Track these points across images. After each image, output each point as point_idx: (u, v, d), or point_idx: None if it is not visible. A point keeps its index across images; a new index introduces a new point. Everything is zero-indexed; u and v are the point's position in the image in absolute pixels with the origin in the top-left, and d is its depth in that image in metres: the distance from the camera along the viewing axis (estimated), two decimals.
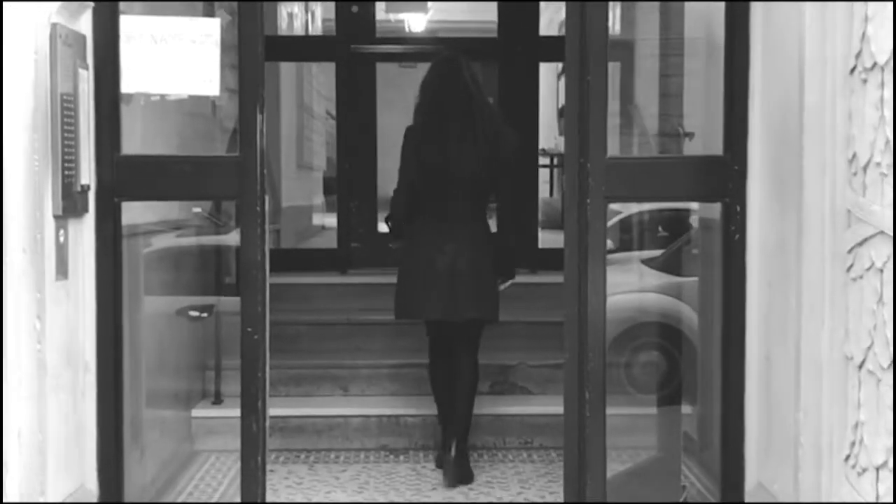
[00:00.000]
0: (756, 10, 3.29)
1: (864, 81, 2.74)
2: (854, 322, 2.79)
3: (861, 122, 2.75)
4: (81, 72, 3.16)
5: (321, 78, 11.77)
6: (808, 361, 2.98)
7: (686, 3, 4.90)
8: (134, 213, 3.92)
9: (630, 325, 5.50)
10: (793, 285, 3.06)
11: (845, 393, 2.83)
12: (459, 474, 4.71)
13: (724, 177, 3.39)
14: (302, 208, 10.06)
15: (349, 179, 6.87)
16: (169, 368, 4.84)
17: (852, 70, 2.77)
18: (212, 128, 5.62)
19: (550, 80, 11.54)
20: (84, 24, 3.23)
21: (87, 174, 3.23)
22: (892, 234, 2.66)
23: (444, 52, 5.40)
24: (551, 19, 10.63)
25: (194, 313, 4.91)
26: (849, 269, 2.81)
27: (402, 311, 4.89)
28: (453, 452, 4.68)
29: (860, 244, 2.77)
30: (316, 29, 11.60)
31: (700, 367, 4.37)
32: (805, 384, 3.00)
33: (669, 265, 5.73)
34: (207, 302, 5.27)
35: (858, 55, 2.75)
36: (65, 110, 3.04)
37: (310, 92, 11.21)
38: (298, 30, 10.70)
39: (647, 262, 5.96)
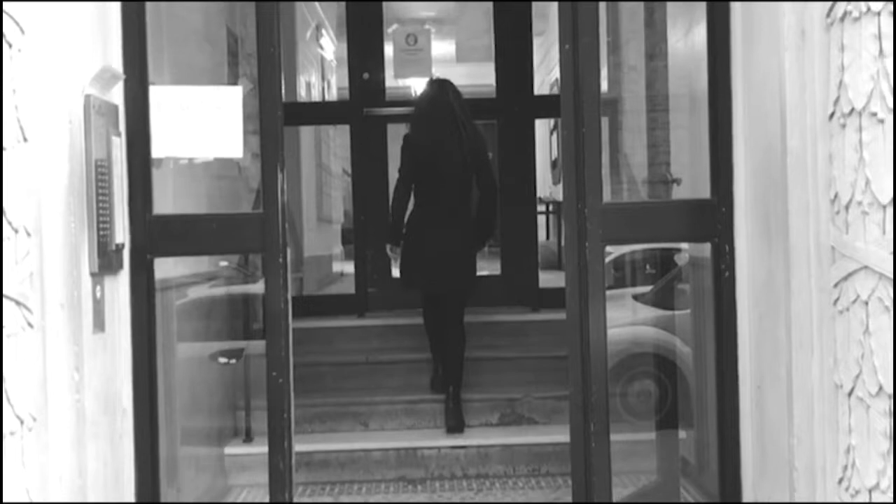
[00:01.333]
0: (737, 60, 3.20)
1: (843, 126, 2.64)
2: (842, 352, 2.67)
3: (841, 164, 2.65)
4: (114, 139, 3.06)
5: (338, 140, 11.72)
6: (800, 390, 2.85)
7: (670, 64, 4.83)
8: (167, 267, 3.83)
9: (624, 357, 5.41)
10: (782, 318, 2.94)
11: (836, 419, 2.70)
12: (456, 420, 5.27)
13: (713, 218, 3.28)
14: (322, 258, 9.97)
15: (364, 230, 6.78)
16: (202, 409, 4.72)
17: (831, 115, 2.68)
18: (238, 188, 5.54)
19: (544, 135, 11.49)
20: (116, 94, 3.14)
21: (122, 233, 3.13)
22: (876, 269, 2.55)
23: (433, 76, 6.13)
24: (543, 80, 10.59)
25: (223, 360, 4.79)
26: (835, 302, 2.69)
27: (405, 283, 5.61)
28: (451, 403, 5.27)
29: (845, 279, 2.66)
30: (332, 96, 11.59)
31: (694, 395, 4.24)
32: (797, 411, 2.87)
33: (658, 300, 5.66)
34: (237, 346, 5.17)
35: (836, 101, 2.66)
36: (99, 175, 2.95)
37: (327, 153, 11.17)
38: (316, 97, 10.67)
39: (638, 298, 5.88)
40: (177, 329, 4.06)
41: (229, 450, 5.13)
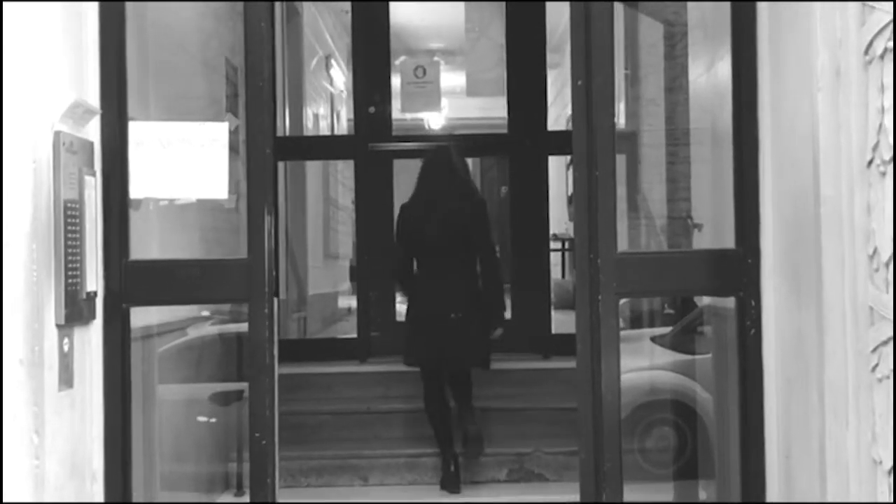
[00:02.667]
0: (764, 100, 3.00)
1: (883, 174, 2.44)
2: (881, 425, 2.45)
3: (881, 216, 2.44)
4: (88, 178, 2.87)
5: (346, 173, 11.58)
6: (834, 464, 2.61)
7: (691, 98, 4.64)
8: (149, 313, 3.64)
9: (640, 404, 5.22)
10: (814, 383, 2.71)
11: (875, 498, 2.47)
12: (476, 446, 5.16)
13: (738, 270, 3.06)
14: (328, 295, 9.80)
15: (368, 269, 6.57)
16: (189, 461, 4.51)
17: (870, 162, 2.47)
18: (236, 221, 5.35)
19: (560, 170, 11.32)
20: (92, 130, 2.96)
21: (94, 280, 2.93)
22: None
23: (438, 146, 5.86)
24: (559, 115, 10.42)
25: (202, 419, 4.57)
26: (874, 368, 2.47)
27: (408, 359, 5.36)
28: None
29: (885, 343, 2.44)
30: (341, 128, 11.46)
31: (717, 455, 4.02)
32: (832, 488, 2.63)
33: (677, 343, 5.48)
34: (230, 389, 4.96)
35: (875, 147, 2.45)
36: (69, 217, 2.75)
37: (335, 186, 11.02)
38: (324, 129, 10.54)
39: (656, 340, 5.70)
40: (160, 377, 3.86)
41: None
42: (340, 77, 11.31)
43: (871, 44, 2.45)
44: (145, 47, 3.59)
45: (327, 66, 10.74)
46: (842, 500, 2.58)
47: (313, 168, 9.29)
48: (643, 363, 5.43)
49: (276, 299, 3.10)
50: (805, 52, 2.68)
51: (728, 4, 3.10)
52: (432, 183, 5.34)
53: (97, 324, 2.98)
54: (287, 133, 7.66)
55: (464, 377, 5.27)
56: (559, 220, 11.05)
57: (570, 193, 11.79)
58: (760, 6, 3.02)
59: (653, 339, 5.74)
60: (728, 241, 3.17)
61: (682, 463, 4.97)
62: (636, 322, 6.12)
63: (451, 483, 5.04)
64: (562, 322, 6.95)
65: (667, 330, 5.76)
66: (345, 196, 11.70)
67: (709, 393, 4.59)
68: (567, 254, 11.49)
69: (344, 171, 11.48)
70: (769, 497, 3.07)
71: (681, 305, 5.79)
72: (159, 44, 3.94)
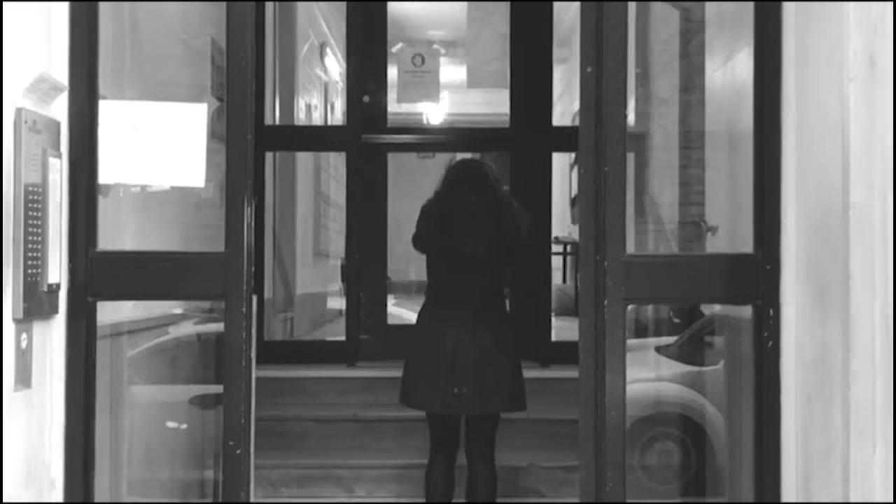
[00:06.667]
0: (788, 91, 2.87)
1: None
2: None
3: None
4: (53, 161, 2.75)
5: (340, 168, 11.45)
6: (859, 491, 2.49)
7: (707, 96, 4.53)
8: (122, 310, 3.51)
9: (643, 417, 5.12)
10: (838, 404, 2.59)
11: None
12: None
13: (755, 277, 2.93)
14: (317, 295, 9.67)
15: (359, 269, 6.44)
16: (163, 468, 4.37)
17: None
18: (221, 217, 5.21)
19: (563, 169, 11.21)
20: (59, 108, 2.83)
21: (58, 272, 2.80)
22: None
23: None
24: (564, 111, 10.31)
25: (172, 424, 4.44)
26: None
27: (405, 399, 4.46)
28: None
29: None
30: (336, 120, 11.33)
31: (727, 476, 3.91)
32: None
33: (684, 353, 5.38)
34: (213, 392, 4.83)
35: None
36: (30, 202, 2.63)
37: (327, 180, 10.89)
38: (318, 120, 10.42)
39: (661, 350, 5.60)
40: (133, 378, 3.74)
41: None
42: (336, 67, 11.18)
43: None
44: (122, 21, 3.46)
45: (322, 55, 10.62)
46: None
47: (304, 161, 9.17)
48: (648, 374, 5.34)
49: (254, 297, 2.97)
50: (835, 39, 2.56)
51: None
52: (460, 187, 4.44)
53: (60, 319, 2.86)
54: (277, 122, 7.54)
55: (491, 427, 4.42)
56: (562, 222, 10.96)
57: (573, 194, 11.69)
58: None
59: (657, 350, 5.64)
60: (745, 247, 3.05)
61: (687, 480, 4.88)
62: (640, 331, 6.02)
63: None
64: (562, 329, 6.84)
65: (672, 339, 5.67)
66: (337, 192, 11.56)
67: (716, 407, 4.50)
68: (569, 258, 11.40)
69: (337, 166, 11.35)
70: None
71: (688, 314, 5.70)
72: (137, 18, 3.80)
